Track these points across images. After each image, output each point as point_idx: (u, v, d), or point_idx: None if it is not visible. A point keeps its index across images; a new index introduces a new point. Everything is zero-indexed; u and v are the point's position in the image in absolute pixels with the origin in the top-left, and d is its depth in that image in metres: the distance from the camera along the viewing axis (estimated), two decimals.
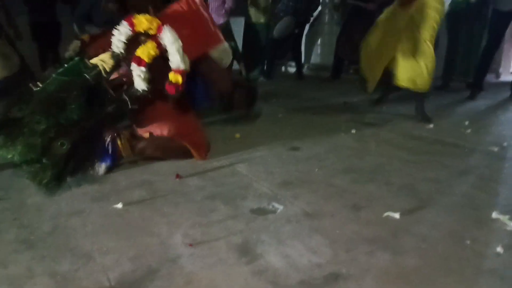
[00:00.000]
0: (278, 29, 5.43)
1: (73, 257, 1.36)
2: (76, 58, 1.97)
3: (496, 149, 2.46)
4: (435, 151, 2.45)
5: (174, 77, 2.00)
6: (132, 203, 1.77)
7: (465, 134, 2.81)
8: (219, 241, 1.45)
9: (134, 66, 1.96)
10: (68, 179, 1.82)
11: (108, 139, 2.17)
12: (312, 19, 5.95)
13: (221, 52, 2.34)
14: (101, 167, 2.14)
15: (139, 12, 2.06)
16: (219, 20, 4.85)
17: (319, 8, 6.00)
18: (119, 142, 2.19)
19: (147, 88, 1.98)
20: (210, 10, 4.84)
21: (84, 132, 1.84)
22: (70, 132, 1.79)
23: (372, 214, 1.65)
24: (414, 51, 2.94)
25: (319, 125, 3.08)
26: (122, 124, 2.25)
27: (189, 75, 2.16)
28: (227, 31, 4.83)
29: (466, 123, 3.05)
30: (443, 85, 4.59)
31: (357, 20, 4.85)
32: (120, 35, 1.98)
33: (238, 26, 5.40)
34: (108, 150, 2.16)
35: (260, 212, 1.68)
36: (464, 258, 1.34)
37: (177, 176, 2.05)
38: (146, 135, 2.28)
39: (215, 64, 2.32)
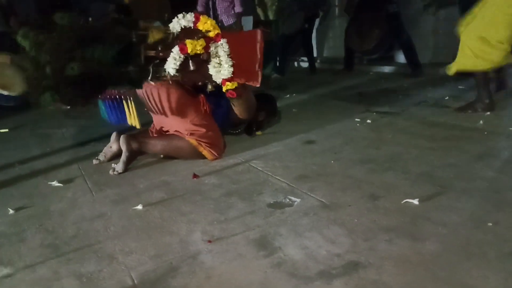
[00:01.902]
0: (288, 25, 5.43)
1: (97, 258, 1.40)
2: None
3: None
4: (454, 137, 2.40)
5: (230, 85, 2.15)
6: (151, 204, 1.80)
7: (484, 117, 2.74)
8: (237, 236, 1.47)
9: (175, 49, 2.01)
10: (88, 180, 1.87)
11: (117, 97, 2.23)
12: (321, 13, 5.91)
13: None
14: (119, 166, 2.20)
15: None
16: (229, 21, 4.89)
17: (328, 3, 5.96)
18: (125, 106, 2.24)
19: (173, 75, 2.03)
20: (219, 12, 4.90)
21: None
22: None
23: (390, 203, 1.64)
24: None
25: (334, 117, 3.07)
26: (131, 91, 2.29)
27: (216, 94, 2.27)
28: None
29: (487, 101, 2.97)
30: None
31: (365, 11, 4.81)
32: (182, 20, 2.06)
33: (247, 25, 5.43)
34: (115, 107, 2.23)
35: (277, 206, 1.69)
36: (485, 242, 1.31)
37: (194, 176, 2.07)
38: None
39: (249, 93, 2.39)
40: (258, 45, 2.23)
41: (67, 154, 2.66)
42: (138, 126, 2.34)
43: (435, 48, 5.12)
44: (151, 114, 2.43)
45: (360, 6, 4.94)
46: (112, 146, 2.37)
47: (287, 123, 3.01)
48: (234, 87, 2.15)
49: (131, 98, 2.27)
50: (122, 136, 2.25)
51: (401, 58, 5.28)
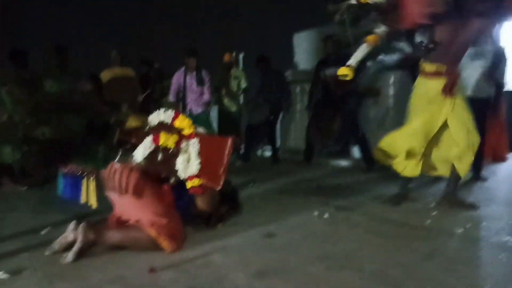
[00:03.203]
0: (254, 116, 5.81)
1: None
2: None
3: (460, 230, 2.58)
4: (404, 235, 2.55)
5: (195, 182, 2.25)
6: None
7: (431, 216, 2.93)
8: None
9: (149, 138, 2.11)
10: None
11: (79, 174, 2.26)
12: (285, 106, 6.34)
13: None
14: (69, 255, 2.14)
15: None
16: (198, 110, 5.24)
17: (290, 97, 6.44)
18: (85, 183, 2.24)
19: (141, 163, 2.12)
20: (188, 101, 5.22)
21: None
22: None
23: None
24: None
25: (294, 210, 3.17)
26: (95, 172, 2.33)
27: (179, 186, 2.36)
28: (205, 121, 5.17)
29: (432, 205, 3.20)
30: None
31: (324, 108, 5.23)
32: (161, 114, 2.22)
33: (212, 115, 5.90)
34: (76, 182, 2.22)
35: None
36: None
37: (151, 270, 2.04)
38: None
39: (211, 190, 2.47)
40: (226, 151, 2.38)
41: (19, 241, 2.53)
42: (94, 206, 2.33)
43: None
44: (112, 200, 2.43)
45: (319, 104, 5.37)
46: (69, 236, 2.30)
47: (248, 214, 3.06)
48: (199, 184, 2.24)
49: (93, 176, 2.31)
50: (81, 225, 2.20)
51: (356, 153, 5.65)
